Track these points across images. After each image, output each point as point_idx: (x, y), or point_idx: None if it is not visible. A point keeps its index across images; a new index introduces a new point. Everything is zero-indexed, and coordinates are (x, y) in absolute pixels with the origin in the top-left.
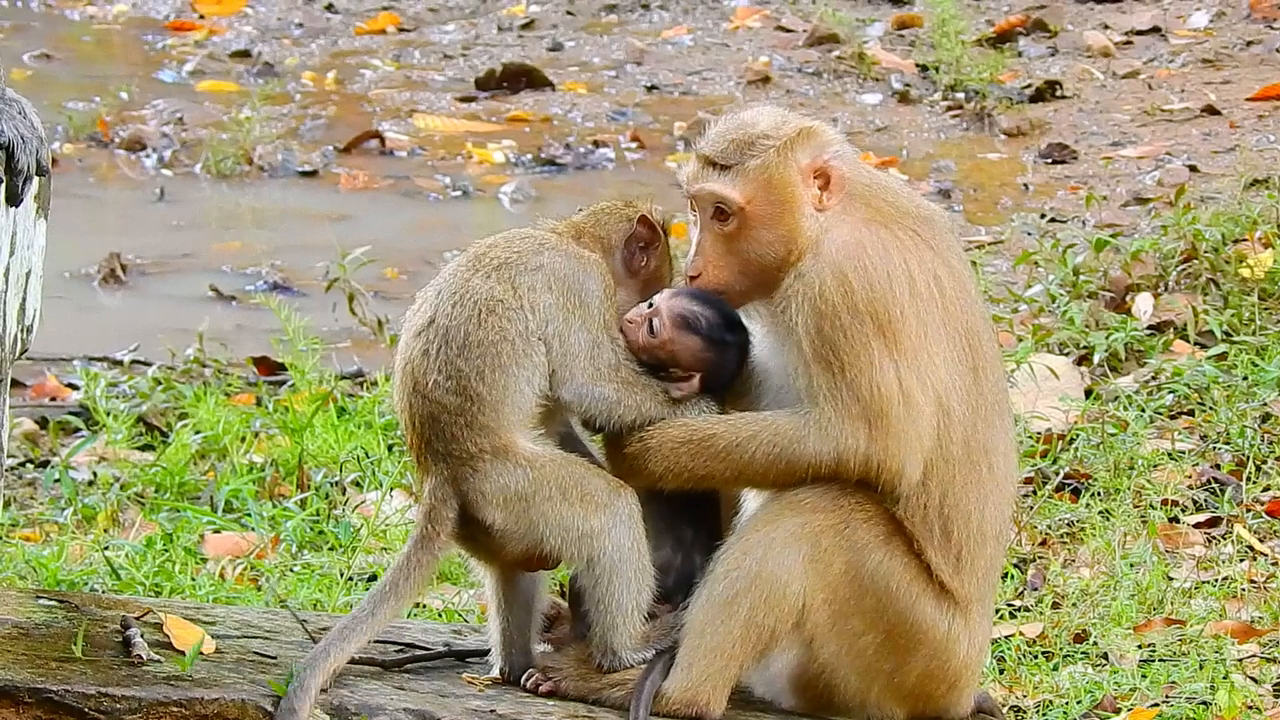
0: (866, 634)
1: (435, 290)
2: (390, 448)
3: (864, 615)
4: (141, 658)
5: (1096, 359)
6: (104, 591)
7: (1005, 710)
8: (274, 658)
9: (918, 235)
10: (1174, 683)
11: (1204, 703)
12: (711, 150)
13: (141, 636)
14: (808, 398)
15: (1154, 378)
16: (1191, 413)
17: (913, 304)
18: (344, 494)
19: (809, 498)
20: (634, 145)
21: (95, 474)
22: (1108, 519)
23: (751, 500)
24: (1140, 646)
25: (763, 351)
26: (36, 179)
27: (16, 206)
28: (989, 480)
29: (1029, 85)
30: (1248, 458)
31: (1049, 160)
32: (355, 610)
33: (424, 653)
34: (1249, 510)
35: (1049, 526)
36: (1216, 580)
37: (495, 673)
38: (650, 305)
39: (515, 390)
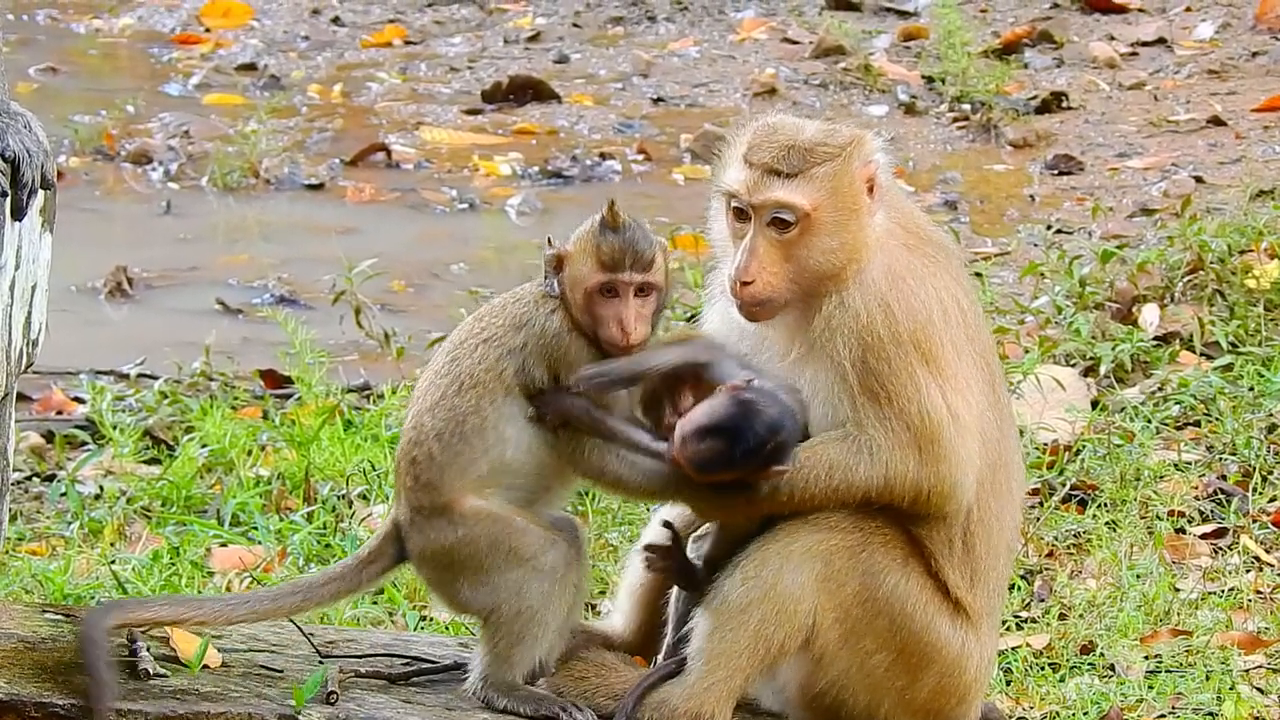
0: (878, 653)
1: (450, 339)
2: None
3: (876, 636)
4: (148, 671)
5: (1103, 370)
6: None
7: None
8: (280, 671)
9: (938, 260)
10: (1180, 694)
11: (1210, 714)
12: (771, 159)
13: (148, 650)
14: (854, 425)
15: (1160, 389)
16: (1198, 424)
17: (946, 330)
18: (350, 507)
19: (830, 516)
20: (641, 157)
21: (102, 488)
22: (1114, 530)
23: None
24: (1147, 657)
25: (793, 374)
26: (42, 193)
27: (21, 220)
28: (1006, 495)
29: (1035, 96)
30: (1254, 468)
31: (1055, 171)
32: (253, 591)
33: (431, 666)
34: (1255, 521)
35: (1056, 538)
36: (1223, 591)
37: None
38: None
39: (469, 459)
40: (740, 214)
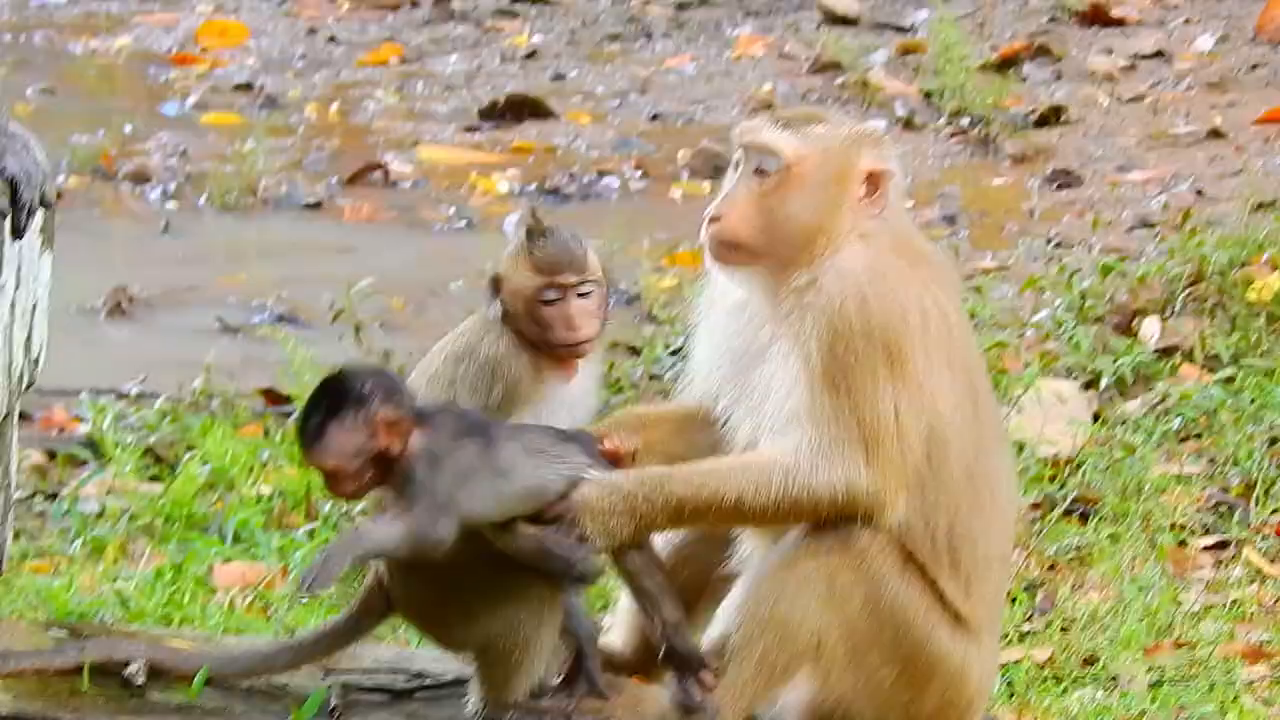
0: (883, 666)
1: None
2: None
3: (881, 648)
4: (139, 682)
5: (1104, 383)
6: (114, 622)
7: None
8: (283, 687)
9: (928, 272)
10: (1184, 706)
11: None
12: (782, 112)
13: (144, 662)
14: (806, 419)
15: (1161, 401)
16: (1199, 436)
17: (922, 338)
18: (352, 524)
19: (825, 539)
20: (639, 174)
21: (104, 506)
22: (1116, 543)
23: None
24: (1150, 669)
25: (744, 357)
26: (41, 212)
27: (21, 239)
28: (991, 507)
29: (1033, 111)
30: (1256, 480)
31: (1054, 185)
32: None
33: (434, 682)
34: (1257, 533)
35: (1057, 550)
36: (1225, 603)
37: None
38: None
39: None
40: (737, 161)
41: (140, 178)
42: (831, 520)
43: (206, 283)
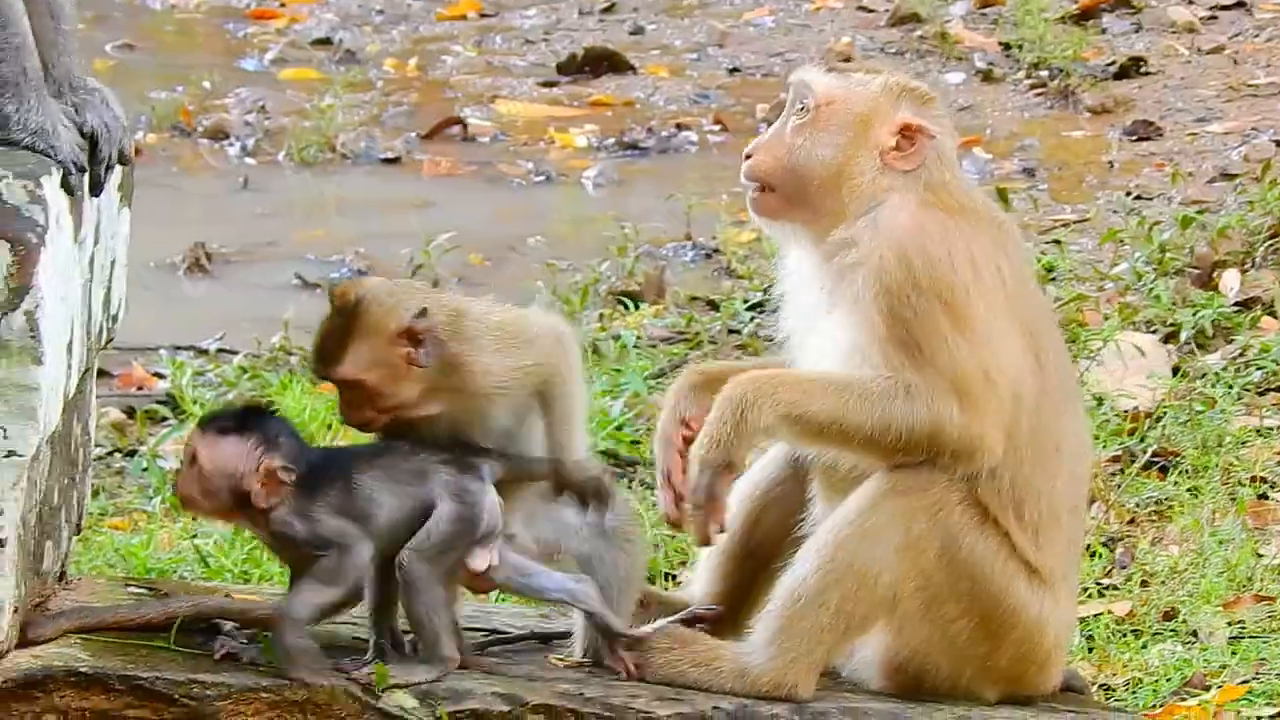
0: (960, 619)
1: None
2: None
3: (958, 600)
4: (236, 652)
5: (1183, 336)
6: (193, 579)
7: (1095, 688)
8: (364, 642)
9: (978, 228)
10: (1264, 659)
11: None
12: (836, 65)
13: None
14: (888, 369)
15: (1241, 354)
16: (1279, 389)
17: (977, 286)
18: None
19: (899, 481)
20: (717, 128)
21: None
22: (1196, 496)
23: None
24: (1230, 623)
25: (811, 319)
26: (119, 168)
27: (99, 196)
28: (1055, 460)
29: (1113, 62)
30: None
31: (1134, 137)
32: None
33: (508, 636)
34: None
35: (1137, 504)
36: None
37: (579, 655)
38: None
39: None
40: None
41: (219, 134)
42: (908, 469)
43: (285, 238)
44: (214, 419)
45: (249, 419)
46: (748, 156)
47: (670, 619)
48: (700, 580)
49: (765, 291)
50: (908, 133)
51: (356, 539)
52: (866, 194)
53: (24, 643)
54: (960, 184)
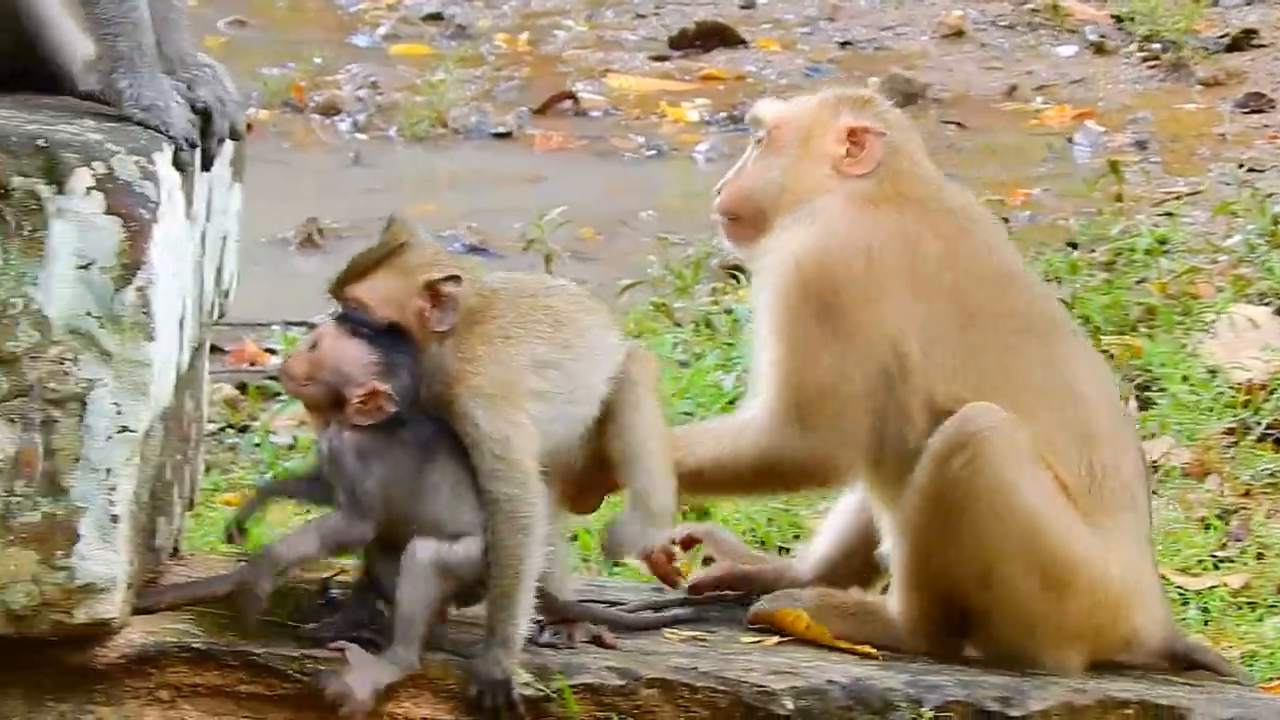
0: (1021, 579)
1: None
2: None
3: (1014, 560)
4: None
5: None
6: None
7: None
8: (475, 617)
9: (924, 216)
10: None
11: None
12: (784, 95)
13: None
14: (760, 385)
15: None
16: None
17: (868, 278)
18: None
19: (938, 482)
20: None
21: (295, 438)
22: None
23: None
24: None
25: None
26: (231, 144)
27: (210, 171)
28: (1026, 395)
29: (1225, 35)
30: None
31: (1246, 110)
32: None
33: (628, 609)
34: None
35: (1252, 477)
36: None
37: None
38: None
39: None
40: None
41: (330, 109)
42: (935, 461)
43: (397, 213)
44: (356, 318)
45: (385, 336)
46: (718, 192)
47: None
48: (815, 553)
49: None
50: (854, 137)
51: (370, 515)
52: (801, 199)
53: (136, 611)
54: (920, 174)
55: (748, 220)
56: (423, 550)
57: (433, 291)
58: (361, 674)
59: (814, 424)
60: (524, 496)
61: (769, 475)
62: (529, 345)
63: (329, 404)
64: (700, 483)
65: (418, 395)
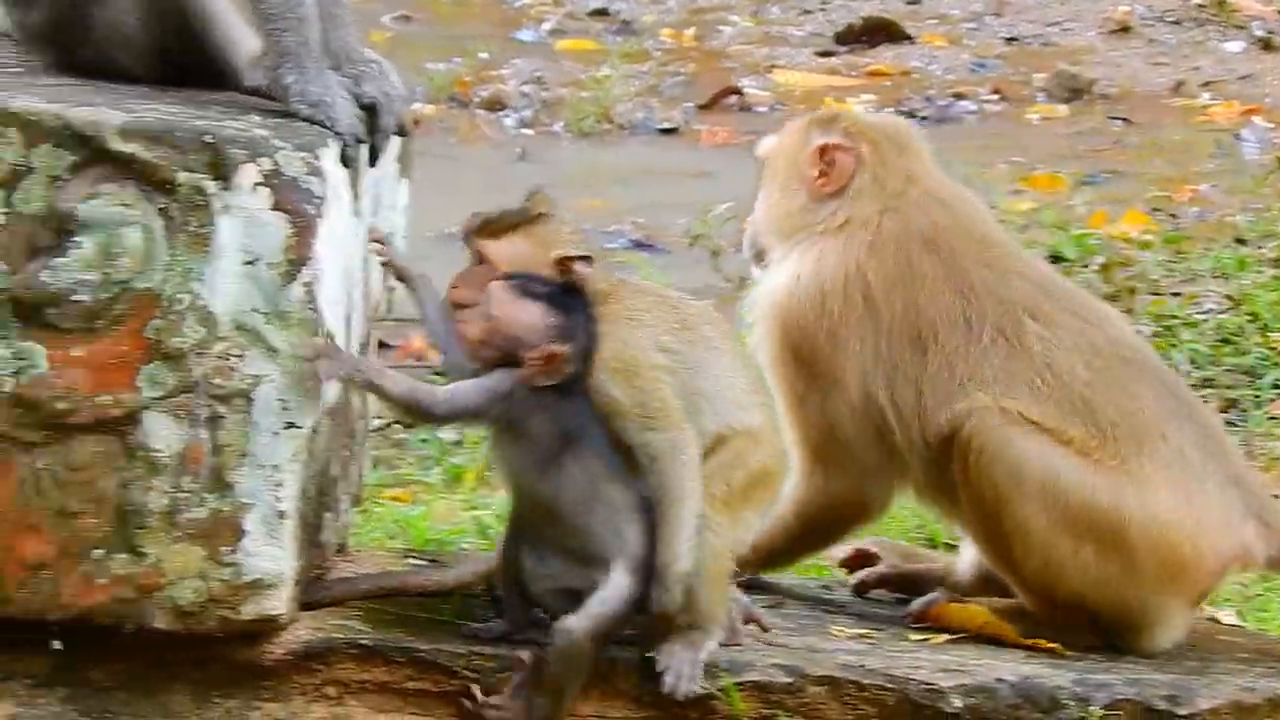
0: (1077, 552)
1: None
2: None
3: (1059, 535)
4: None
5: None
6: (472, 550)
7: None
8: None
9: (879, 239)
10: None
11: None
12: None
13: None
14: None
15: None
16: None
17: (823, 322)
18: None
19: (979, 492)
20: (994, 97)
21: (462, 433)
22: None
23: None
24: None
25: None
26: (397, 139)
27: (375, 166)
28: (1003, 389)
29: None
30: None
31: None
32: None
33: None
34: None
35: None
36: None
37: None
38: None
39: None
40: None
41: (496, 105)
42: (958, 475)
43: (563, 208)
44: (533, 279)
45: (563, 298)
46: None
47: None
48: (967, 554)
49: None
50: (825, 155)
51: (462, 419)
52: (780, 229)
53: (304, 606)
54: (895, 181)
55: (758, 255)
56: (575, 623)
57: (564, 267)
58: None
59: (830, 466)
60: (680, 438)
61: (813, 526)
62: (652, 330)
63: (502, 360)
64: (765, 554)
65: (591, 357)
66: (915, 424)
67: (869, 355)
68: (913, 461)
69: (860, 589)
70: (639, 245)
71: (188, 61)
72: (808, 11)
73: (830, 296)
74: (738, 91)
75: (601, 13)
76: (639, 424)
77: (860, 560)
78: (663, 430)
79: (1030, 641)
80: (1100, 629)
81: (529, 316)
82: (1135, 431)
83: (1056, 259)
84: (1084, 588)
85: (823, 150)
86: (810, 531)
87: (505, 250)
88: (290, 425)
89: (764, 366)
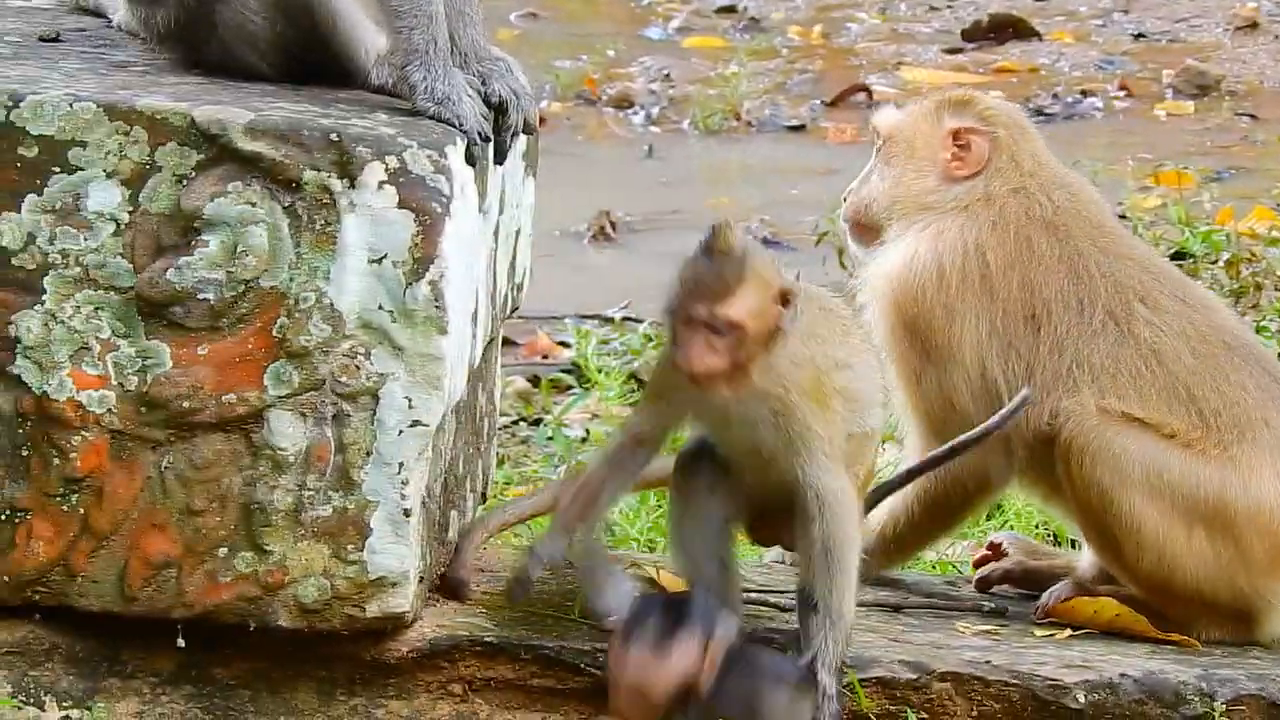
0: (1188, 541)
1: None
2: None
3: (1169, 526)
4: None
5: None
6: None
7: None
8: (782, 609)
9: (1005, 218)
10: None
11: None
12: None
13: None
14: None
15: None
16: None
17: (942, 296)
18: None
19: (1084, 485)
20: (1122, 94)
21: (588, 430)
22: None
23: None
24: None
25: None
26: (524, 137)
27: (502, 164)
28: (1108, 379)
29: None
30: None
31: None
32: None
33: (944, 603)
34: None
35: None
36: None
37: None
38: None
39: None
40: None
41: (623, 102)
42: (1077, 476)
43: (690, 206)
44: (644, 628)
45: (681, 610)
46: (844, 199)
47: None
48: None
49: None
50: (959, 139)
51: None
52: (908, 210)
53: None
54: (1027, 166)
55: (868, 229)
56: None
57: (785, 297)
58: None
59: (947, 439)
60: (849, 489)
61: (937, 506)
62: (831, 347)
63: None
64: (890, 544)
65: None
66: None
67: (984, 331)
68: (1017, 444)
69: (983, 585)
70: (766, 243)
71: (314, 59)
72: (935, 8)
73: (949, 272)
74: (865, 89)
75: (729, 10)
76: (819, 461)
77: (991, 558)
78: (836, 478)
79: (1162, 635)
80: (1219, 620)
81: (683, 656)
82: (1238, 419)
83: (1183, 255)
84: (1198, 579)
85: (957, 134)
86: (934, 513)
87: (744, 304)
88: (416, 423)
89: (880, 344)
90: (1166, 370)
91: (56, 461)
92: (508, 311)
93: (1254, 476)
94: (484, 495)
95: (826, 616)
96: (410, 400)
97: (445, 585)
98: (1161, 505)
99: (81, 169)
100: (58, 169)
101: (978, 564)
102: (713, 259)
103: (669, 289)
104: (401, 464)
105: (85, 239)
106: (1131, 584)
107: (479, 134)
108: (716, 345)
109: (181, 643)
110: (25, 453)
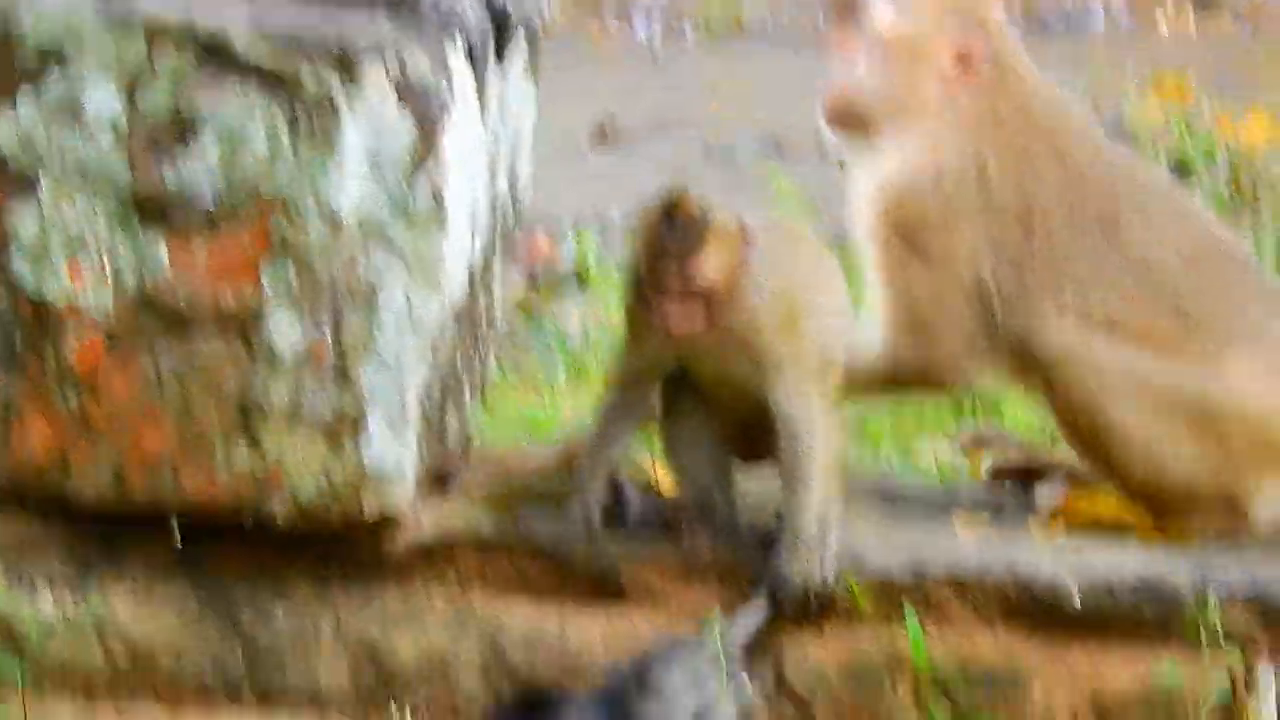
0: (1173, 439)
1: None
2: None
3: (1155, 425)
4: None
5: None
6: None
7: None
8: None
9: (1000, 133)
10: None
11: None
12: None
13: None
14: (863, 288)
15: None
16: None
17: (939, 205)
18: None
19: (1065, 393)
20: (1123, 5)
21: (587, 334)
22: None
23: None
24: None
25: None
26: (526, 42)
27: (503, 70)
28: (1091, 289)
29: None
30: None
31: None
32: None
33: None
34: None
35: None
36: None
37: None
38: None
39: None
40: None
41: (626, 9)
42: (1058, 382)
43: (693, 113)
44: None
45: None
46: (825, 85)
47: None
48: None
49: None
50: (963, 52)
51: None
52: (907, 113)
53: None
54: (1023, 83)
55: (854, 123)
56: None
57: (748, 238)
58: None
59: (927, 336)
60: (820, 412)
61: (896, 383)
62: (800, 274)
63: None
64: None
65: None
66: (1014, 305)
67: (980, 234)
68: (1002, 347)
69: (996, 476)
70: (769, 150)
71: None
72: None
73: (947, 175)
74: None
75: None
76: (787, 385)
77: (977, 442)
78: (806, 396)
79: (1158, 533)
80: (1209, 516)
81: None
82: (1224, 325)
83: (1183, 165)
84: (1187, 477)
85: (960, 45)
86: (892, 388)
87: (716, 267)
88: (415, 323)
89: (864, 244)
90: (1153, 277)
91: (53, 360)
92: (510, 219)
93: (1237, 377)
94: (483, 397)
95: (791, 534)
96: (409, 300)
97: (439, 480)
98: (1145, 407)
99: (79, 71)
100: (55, 72)
101: (964, 445)
102: (674, 225)
103: (631, 256)
104: (400, 363)
105: (82, 140)
106: (1119, 486)
107: (481, 36)
108: (692, 306)
109: (178, 536)
110: (21, 350)
